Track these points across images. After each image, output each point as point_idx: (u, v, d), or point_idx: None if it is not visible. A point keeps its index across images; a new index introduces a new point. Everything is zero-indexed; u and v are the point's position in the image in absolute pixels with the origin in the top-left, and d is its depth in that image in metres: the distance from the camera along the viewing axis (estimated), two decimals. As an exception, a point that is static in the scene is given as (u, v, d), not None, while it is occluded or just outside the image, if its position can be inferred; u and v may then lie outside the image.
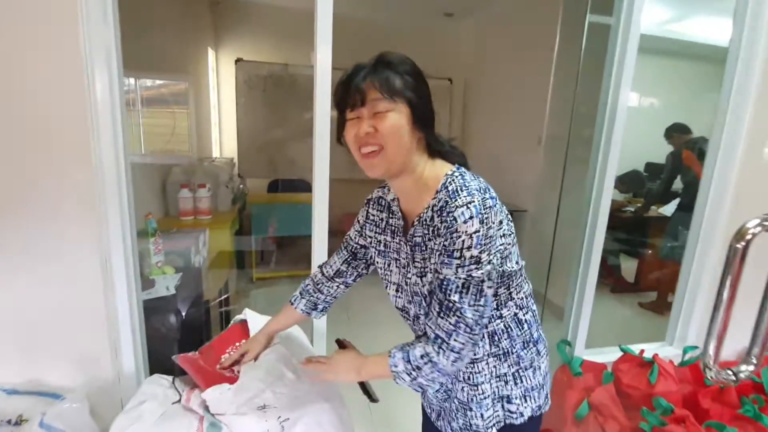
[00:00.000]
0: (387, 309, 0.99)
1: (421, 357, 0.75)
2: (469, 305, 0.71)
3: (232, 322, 1.31)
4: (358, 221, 1.00)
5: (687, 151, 2.86)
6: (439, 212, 0.74)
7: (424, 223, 0.79)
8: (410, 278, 0.84)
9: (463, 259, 0.70)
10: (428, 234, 0.78)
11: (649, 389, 1.62)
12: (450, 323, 0.72)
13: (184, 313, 1.65)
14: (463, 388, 0.86)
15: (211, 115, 4.17)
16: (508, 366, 0.84)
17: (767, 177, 1.75)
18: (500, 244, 0.75)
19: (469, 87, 4.73)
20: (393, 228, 0.89)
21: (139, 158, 2.60)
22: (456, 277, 0.71)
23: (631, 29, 1.49)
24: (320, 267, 1.08)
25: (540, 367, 0.88)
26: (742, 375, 0.75)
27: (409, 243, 0.83)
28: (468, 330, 0.72)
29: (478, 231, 0.69)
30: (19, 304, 1.19)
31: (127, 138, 1.24)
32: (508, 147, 3.87)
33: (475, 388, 0.84)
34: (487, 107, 4.37)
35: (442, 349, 0.73)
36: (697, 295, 1.86)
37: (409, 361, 0.75)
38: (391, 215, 0.90)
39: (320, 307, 1.06)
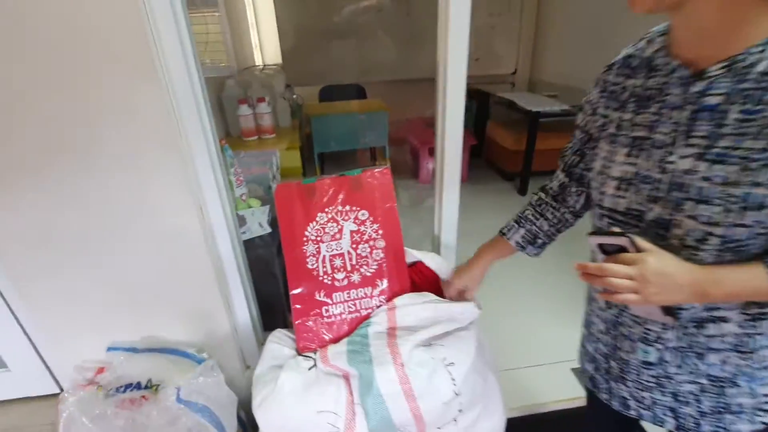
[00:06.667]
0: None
1: None
2: None
3: None
4: (587, 105, 0.71)
5: None
6: None
7: (741, 72, 0.50)
8: (673, 163, 0.57)
9: None
10: (751, 94, 0.49)
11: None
12: None
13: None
14: (726, 359, 0.61)
15: (247, 15, 3.66)
16: None
17: None
18: None
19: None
20: (649, 93, 0.60)
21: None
22: None
23: None
24: (542, 187, 0.88)
25: None
26: None
27: (692, 105, 0.54)
28: None
29: None
30: (121, 265, 1.04)
31: (194, 45, 0.95)
32: None
33: (749, 355, 0.60)
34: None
35: None
36: None
37: None
38: (651, 74, 0.60)
39: (540, 240, 0.87)
